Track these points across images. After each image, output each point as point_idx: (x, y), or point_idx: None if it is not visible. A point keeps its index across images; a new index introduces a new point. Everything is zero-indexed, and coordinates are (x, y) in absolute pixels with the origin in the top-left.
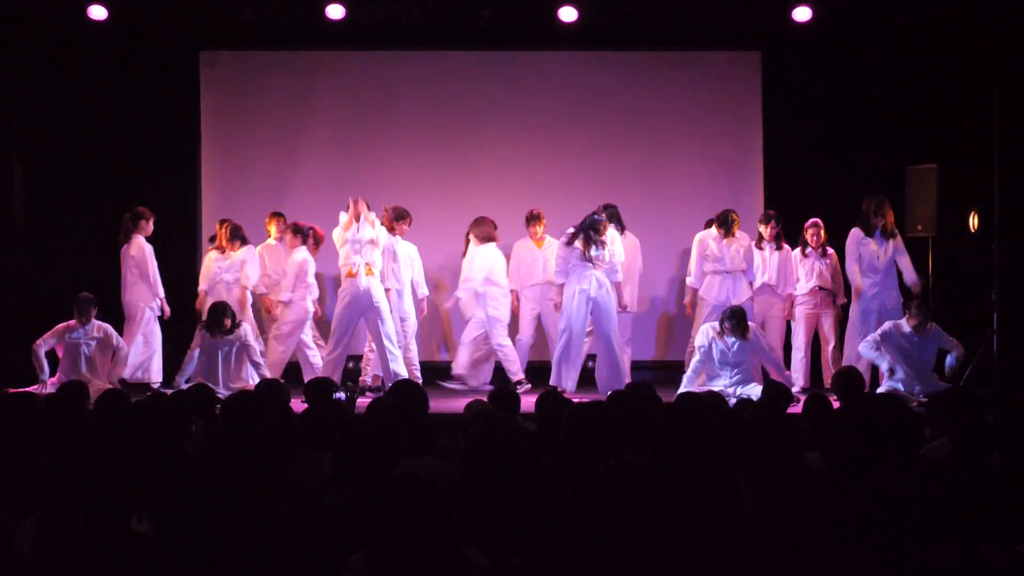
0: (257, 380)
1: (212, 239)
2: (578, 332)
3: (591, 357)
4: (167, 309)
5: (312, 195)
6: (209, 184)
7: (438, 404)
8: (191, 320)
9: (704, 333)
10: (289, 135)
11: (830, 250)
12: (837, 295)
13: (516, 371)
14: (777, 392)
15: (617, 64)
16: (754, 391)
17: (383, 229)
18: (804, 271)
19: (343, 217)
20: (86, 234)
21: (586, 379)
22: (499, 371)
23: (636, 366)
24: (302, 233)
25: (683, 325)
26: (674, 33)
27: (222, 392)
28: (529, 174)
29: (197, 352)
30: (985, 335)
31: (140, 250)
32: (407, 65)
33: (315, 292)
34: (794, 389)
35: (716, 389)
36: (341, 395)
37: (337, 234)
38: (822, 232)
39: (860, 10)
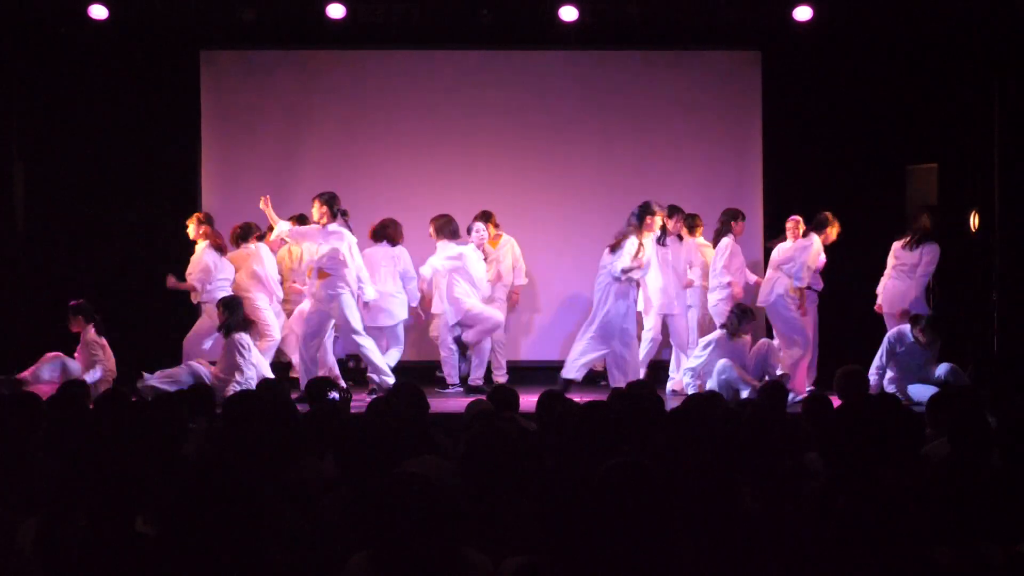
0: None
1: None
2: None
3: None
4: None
5: (311, 190)
6: (209, 183)
7: (438, 404)
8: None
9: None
10: (290, 134)
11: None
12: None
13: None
14: (775, 392)
15: (617, 63)
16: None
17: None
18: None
19: (283, 225)
20: (86, 234)
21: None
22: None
23: None
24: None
25: None
26: (674, 32)
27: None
28: (529, 173)
29: None
30: (985, 335)
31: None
32: (407, 64)
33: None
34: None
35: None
36: (335, 395)
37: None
38: (801, 227)
39: (860, 10)
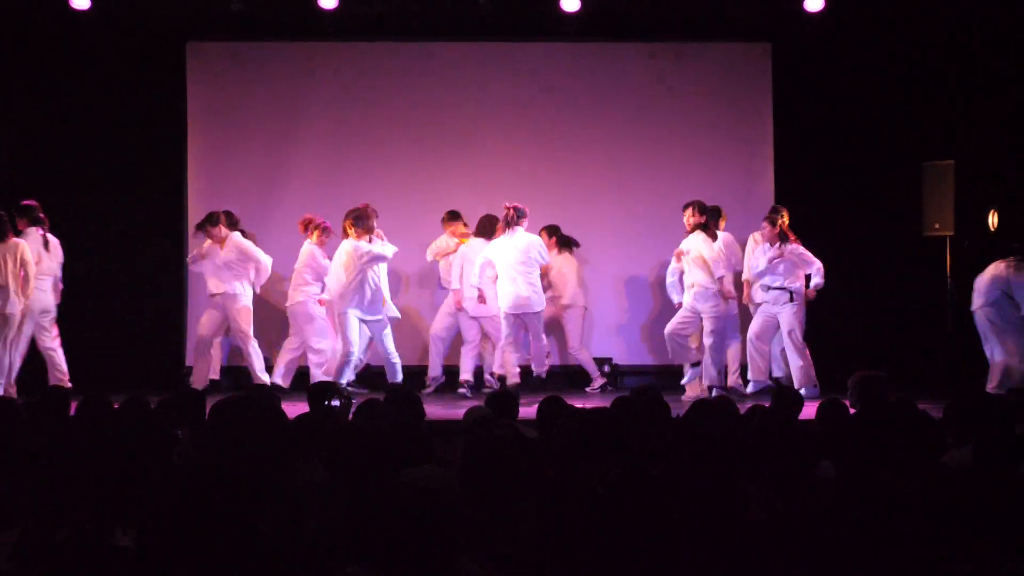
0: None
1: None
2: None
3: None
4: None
5: (302, 189)
6: (196, 178)
7: (435, 411)
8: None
9: None
10: (279, 129)
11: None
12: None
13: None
14: (787, 398)
15: (623, 55)
16: None
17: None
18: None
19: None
20: (69, 229)
21: (581, 382)
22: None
23: (634, 371)
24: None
25: None
26: (682, 23)
27: None
28: (530, 167)
29: None
30: None
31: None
32: (402, 56)
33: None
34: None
35: None
36: (336, 401)
37: None
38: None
39: (873, 0)
